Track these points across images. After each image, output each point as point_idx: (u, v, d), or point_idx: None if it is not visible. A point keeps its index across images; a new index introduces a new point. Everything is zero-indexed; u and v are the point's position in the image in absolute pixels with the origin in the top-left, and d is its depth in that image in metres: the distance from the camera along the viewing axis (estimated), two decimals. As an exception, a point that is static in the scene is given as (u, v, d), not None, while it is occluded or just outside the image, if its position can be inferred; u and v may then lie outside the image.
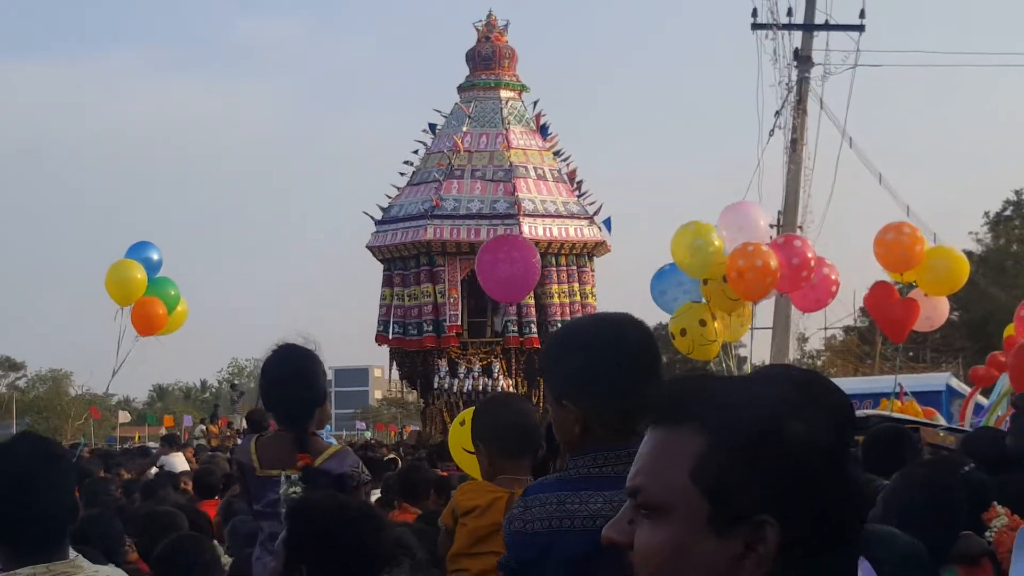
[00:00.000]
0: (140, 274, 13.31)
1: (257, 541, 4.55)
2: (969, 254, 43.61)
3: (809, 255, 11.46)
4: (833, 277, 11.76)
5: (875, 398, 12.38)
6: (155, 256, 13.82)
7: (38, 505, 2.76)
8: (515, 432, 3.89)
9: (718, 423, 1.36)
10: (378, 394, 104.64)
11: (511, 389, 19.94)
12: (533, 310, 21.38)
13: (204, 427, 26.96)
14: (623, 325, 2.69)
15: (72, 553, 2.86)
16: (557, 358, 2.70)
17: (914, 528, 3.56)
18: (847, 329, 37.40)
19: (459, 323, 21.29)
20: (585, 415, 2.57)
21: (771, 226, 23.23)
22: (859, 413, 9.92)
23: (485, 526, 3.80)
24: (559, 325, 20.99)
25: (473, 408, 4.34)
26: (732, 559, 1.35)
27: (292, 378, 4.49)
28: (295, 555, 3.02)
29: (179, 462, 13.20)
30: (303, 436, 4.47)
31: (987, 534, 3.97)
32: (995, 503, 4.17)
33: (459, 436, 5.33)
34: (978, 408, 11.92)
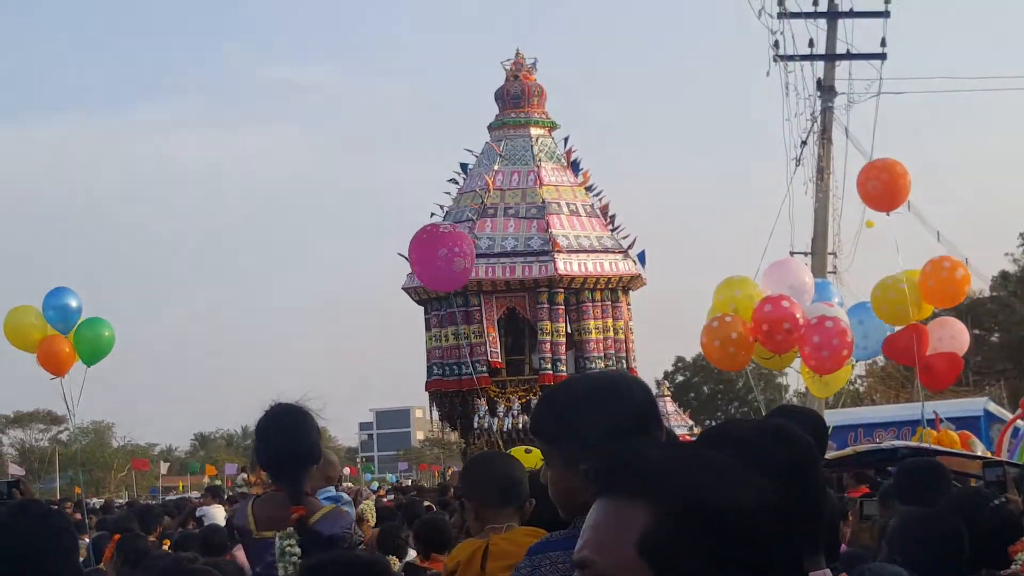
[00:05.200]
0: (35, 319, 13.55)
1: None
2: (1005, 274, 43.33)
3: (800, 320, 11.45)
4: (848, 339, 11.58)
5: (912, 425, 12.28)
6: (73, 303, 14.07)
7: (40, 574, 2.77)
8: (495, 486, 3.96)
9: (661, 495, 1.36)
10: (420, 435, 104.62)
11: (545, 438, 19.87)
12: (564, 347, 21.36)
13: (245, 475, 26.98)
14: (633, 383, 2.66)
15: None
16: (571, 420, 2.60)
17: (918, 567, 3.53)
18: (888, 354, 37.04)
19: (500, 360, 21.27)
20: None
21: (804, 254, 23.31)
22: (886, 445, 9.87)
23: None
24: (597, 362, 21.11)
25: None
26: None
27: (283, 435, 4.53)
28: None
29: (219, 514, 13.20)
30: (297, 493, 4.49)
31: (1013, 567, 3.94)
32: None
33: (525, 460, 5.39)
34: (1016, 431, 11.79)
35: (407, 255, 15.91)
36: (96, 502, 27.10)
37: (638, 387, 2.64)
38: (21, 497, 5.21)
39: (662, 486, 1.37)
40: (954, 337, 11.86)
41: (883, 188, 11.66)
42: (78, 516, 13.22)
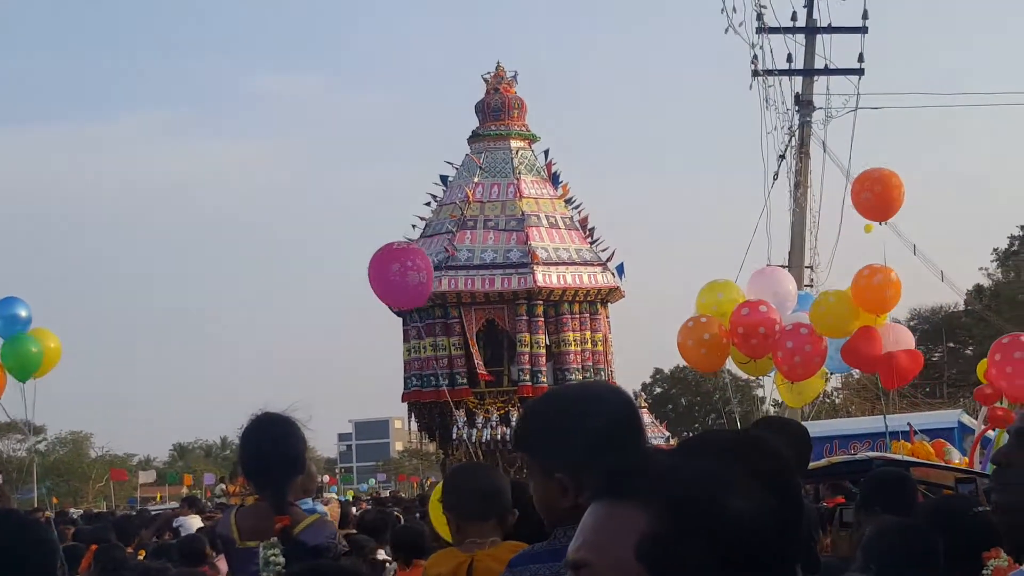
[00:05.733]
0: None
1: None
2: (979, 288, 43.60)
3: (777, 326, 11.57)
4: (822, 347, 11.69)
5: (888, 437, 12.39)
6: (23, 312, 14.09)
7: None
8: (476, 497, 3.94)
9: (661, 500, 1.38)
10: (399, 446, 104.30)
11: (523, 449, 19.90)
12: (543, 359, 21.40)
13: (224, 486, 26.89)
14: (610, 394, 2.70)
15: None
16: (547, 432, 2.64)
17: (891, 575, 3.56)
18: (864, 367, 37.24)
19: (483, 372, 21.26)
20: (578, 487, 2.52)
21: (781, 266, 23.45)
22: (859, 456, 9.97)
23: None
24: (575, 373, 21.17)
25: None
26: None
27: (268, 445, 4.49)
28: None
29: (195, 524, 13.22)
30: (281, 503, 4.47)
31: (984, 572, 3.99)
32: (1000, 548, 4.19)
33: (436, 510, 5.40)
34: (986, 442, 11.92)
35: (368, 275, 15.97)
36: (74, 512, 26.99)
37: (617, 398, 2.67)
38: None
39: (662, 490, 1.38)
40: (900, 341, 11.99)
41: (877, 198, 11.82)
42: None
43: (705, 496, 1.36)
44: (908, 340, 12.16)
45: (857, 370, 15.97)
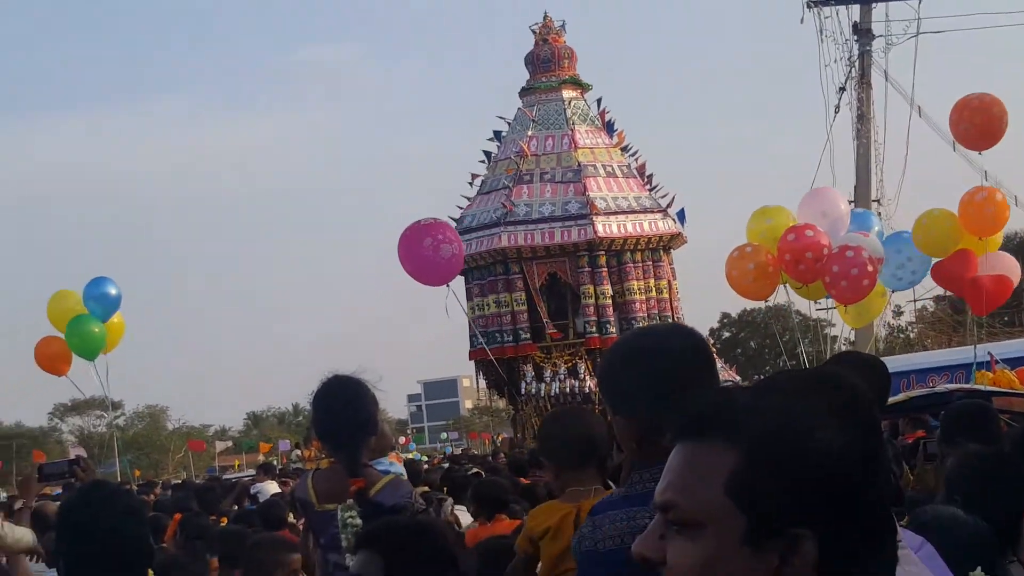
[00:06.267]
0: (75, 306, 13.71)
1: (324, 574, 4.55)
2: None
3: (825, 249, 11.47)
4: (870, 269, 11.55)
5: (966, 369, 12.15)
6: (112, 291, 14.18)
7: (113, 553, 2.85)
8: (575, 445, 3.91)
9: (751, 436, 1.36)
10: (468, 403, 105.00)
11: (598, 390, 19.89)
12: (611, 309, 21.30)
13: (299, 451, 27.22)
14: (671, 335, 2.70)
15: None
16: (607, 374, 2.71)
17: (976, 506, 3.45)
18: (938, 299, 36.92)
19: (548, 327, 21.23)
20: (640, 428, 2.56)
21: (849, 202, 23.11)
22: (939, 388, 9.76)
23: (561, 547, 3.80)
24: (641, 322, 21.03)
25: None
26: (768, 573, 1.34)
27: (339, 407, 4.48)
28: None
29: (271, 489, 13.35)
30: (355, 465, 4.47)
31: None
32: None
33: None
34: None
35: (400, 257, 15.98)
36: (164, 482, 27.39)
37: (689, 338, 2.68)
38: (83, 474, 5.28)
39: (748, 426, 1.36)
40: (1008, 269, 11.79)
41: (979, 129, 11.63)
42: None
43: (792, 429, 1.35)
44: (1012, 268, 11.98)
45: (932, 302, 15.73)
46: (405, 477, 7.17)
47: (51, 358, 14.34)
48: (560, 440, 3.97)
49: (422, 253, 14.76)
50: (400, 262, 15.24)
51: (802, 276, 11.59)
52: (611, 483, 4.00)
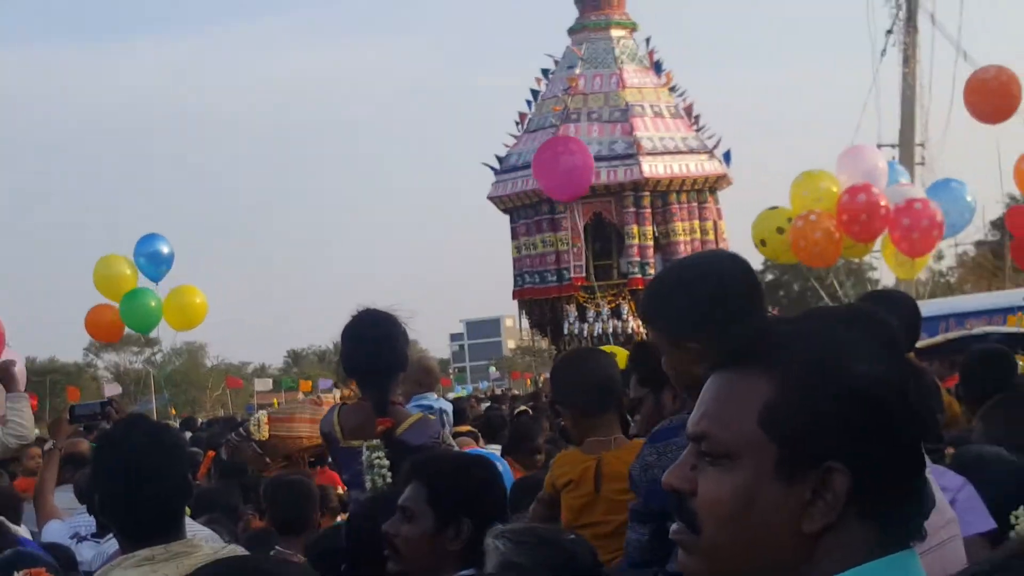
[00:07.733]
0: (126, 268, 13.76)
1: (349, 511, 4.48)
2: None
3: (883, 207, 11.68)
4: (939, 220, 11.80)
5: (1004, 313, 12.22)
6: (165, 249, 14.13)
7: (151, 490, 2.80)
8: (593, 390, 3.68)
9: (786, 367, 1.33)
10: (511, 343, 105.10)
11: (641, 329, 19.98)
12: (652, 250, 21.33)
13: (339, 390, 27.31)
14: (729, 260, 2.71)
15: (189, 533, 2.90)
16: (668, 299, 2.65)
17: (1014, 444, 3.43)
18: (978, 244, 36.68)
19: (583, 273, 21.26)
20: (707, 352, 2.50)
21: (892, 146, 23.00)
22: (976, 331, 9.86)
23: (582, 501, 3.68)
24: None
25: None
26: (799, 506, 1.32)
27: (370, 342, 4.35)
28: (447, 512, 2.96)
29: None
30: (383, 402, 4.34)
31: None
32: None
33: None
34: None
35: (533, 168, 16.63)
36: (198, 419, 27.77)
37: (735, 265, 2.68)
38: (115, 415, 5.25)
39: (785, 356, 1.34)
40: None
41: (991, 104, 11.89)
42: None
43: (830, 359, 1.32)
44: None
45: (972, 247, 15.74)
46: (450, 414, 7.08)
47: (105, 327, 14.20)
48: (578, 386, 3.70)
49: (557, 167, 15.40)
50: (535, 173, 15.90)
51: (859, 235, 11.87)
52: (628, 417, 3.88)
